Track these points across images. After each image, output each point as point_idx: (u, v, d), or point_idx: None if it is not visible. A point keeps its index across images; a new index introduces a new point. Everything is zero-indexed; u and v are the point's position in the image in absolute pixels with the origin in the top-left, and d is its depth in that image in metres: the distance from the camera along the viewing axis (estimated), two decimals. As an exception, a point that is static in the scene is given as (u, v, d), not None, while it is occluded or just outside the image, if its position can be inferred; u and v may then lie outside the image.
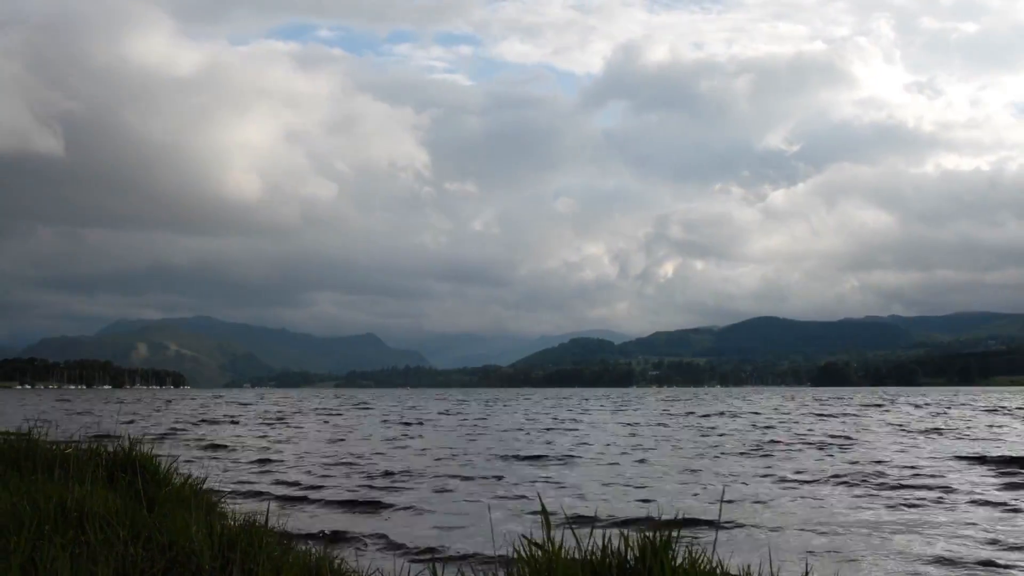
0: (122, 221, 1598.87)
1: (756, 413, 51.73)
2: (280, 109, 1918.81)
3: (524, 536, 5.45)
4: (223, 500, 9.83)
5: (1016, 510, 12.85)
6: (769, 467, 18.79)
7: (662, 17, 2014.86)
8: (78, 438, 13.10)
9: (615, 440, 28.38)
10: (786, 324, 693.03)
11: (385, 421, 44.13)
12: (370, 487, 15.90)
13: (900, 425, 36.38)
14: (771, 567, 5.49)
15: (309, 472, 18.46)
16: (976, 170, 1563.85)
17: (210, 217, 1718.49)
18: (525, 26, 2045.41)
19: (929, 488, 14.98)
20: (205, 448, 24.98)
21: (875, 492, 14.75)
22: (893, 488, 15.11)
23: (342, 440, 29.42)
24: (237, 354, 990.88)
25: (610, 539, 5.27)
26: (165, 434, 30.90)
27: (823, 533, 11.00)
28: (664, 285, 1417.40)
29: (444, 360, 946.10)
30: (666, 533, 5.14)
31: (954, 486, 15.19)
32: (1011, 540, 10.48)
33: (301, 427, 38.27)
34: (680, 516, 6.73)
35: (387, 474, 17.85)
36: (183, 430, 34.35)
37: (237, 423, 41.59)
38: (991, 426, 35.73)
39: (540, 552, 5.27)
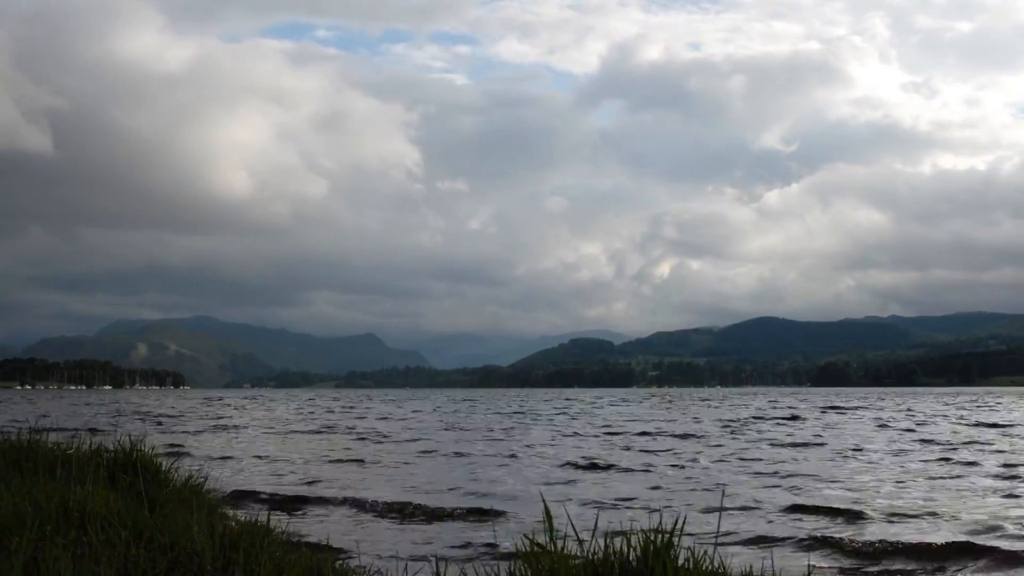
0: (115, 219, 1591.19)
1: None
2: (272, 107, 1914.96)
3: (526, 536, 5.45)
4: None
5: None
6: None
7: (659, 17, 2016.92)
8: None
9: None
10: (786, 324, 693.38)
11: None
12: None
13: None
14: (773, 567, 5.49)
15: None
16: (971, 169, 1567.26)
17: (203, 216, 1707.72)
18: (522, 26, 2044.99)
19: None
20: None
21: None
22: None
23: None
24: (237, 354, 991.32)
25: (612, 539, 5.27)
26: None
27: None
28: (662, 285, 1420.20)
29: (444, 360, 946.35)
30: (667, 533, 5.15)
31: None
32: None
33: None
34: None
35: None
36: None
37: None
38: None
39: (542, 552, 5.27)
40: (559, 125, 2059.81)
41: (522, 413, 55.09)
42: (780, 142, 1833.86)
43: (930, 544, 9.93)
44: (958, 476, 17.05)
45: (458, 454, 23.18)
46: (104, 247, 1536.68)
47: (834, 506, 12.85)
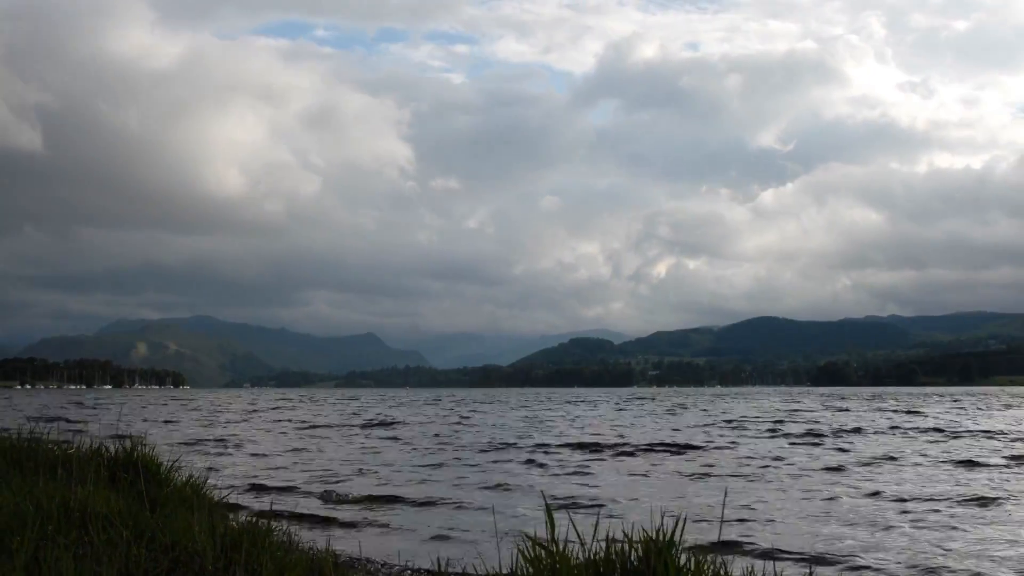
0: (110, 218, 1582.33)
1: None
2: (265, 104, 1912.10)
3: (528, 536, 5.45)
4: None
5: None
6: None
7: (656, 17, 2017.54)
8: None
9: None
10: (785, 324, 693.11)
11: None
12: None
13: None
14: (775, 568, 5.48)
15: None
16: (967, 168, 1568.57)
17: (199, 214, 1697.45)
18: (520, 25, 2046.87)
19: None
20: None
21: None
22: None
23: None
24: (237, 354, 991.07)
25: (614, 539, 5.27)
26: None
27: None
28: (660, 284, 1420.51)
29: (443, 360, 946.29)
30: (669, 533, 5.15)
31: None
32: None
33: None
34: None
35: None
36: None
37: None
38: None
39: (544, 552, 5.27)
40: (556, 124, 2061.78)
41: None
42: (777, 141, 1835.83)
43: None
44: None
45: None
46: (100, 246, 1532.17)
47: None
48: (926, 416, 44.66)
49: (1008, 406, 64.74)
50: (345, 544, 9.38)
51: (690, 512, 8.47)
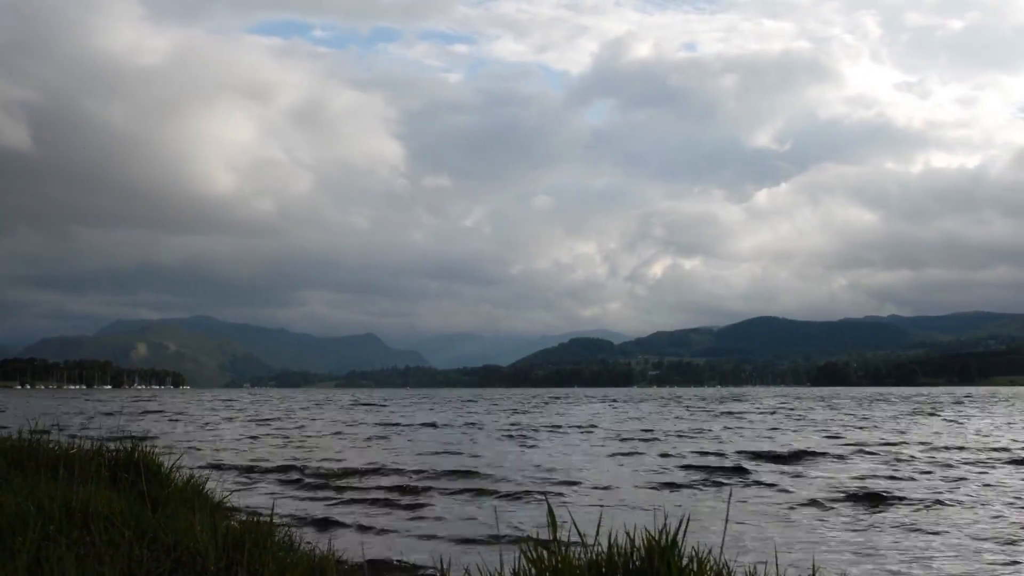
0: (103, 217, 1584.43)
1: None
2: (259, 103, 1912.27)
3: (531, 536, 5.44)
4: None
5: None
6: None
7: (654, 17, 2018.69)
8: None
9: None
10: (785, 324, 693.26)
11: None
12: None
13: None
14: (777, 568, 5.48)
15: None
16: (961, 167, 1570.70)
17: (193, 214, 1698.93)
18: (518, 24, 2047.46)
19: None
20: None
21: None
22: None
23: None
24: (237, 354, 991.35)
25: (616, 539, 5.27)
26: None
27: None
28: (657, 284, 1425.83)
29: (443, 360, 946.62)
30: (672, 533, 5.14)
31: None
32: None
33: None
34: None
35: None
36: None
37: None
38: None
39: (546, 552, 5.27)
40: (552, 124, 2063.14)
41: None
42: (774, 141, 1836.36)
43: None
44: None
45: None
46: (94, 246, 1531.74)
47: None
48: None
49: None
50: (347, 544, 9.37)
51: None
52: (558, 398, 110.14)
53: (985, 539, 10.66)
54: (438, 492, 14.90)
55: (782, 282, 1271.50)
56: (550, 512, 5.45)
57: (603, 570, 5.18)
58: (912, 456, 21.32)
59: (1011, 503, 13.51)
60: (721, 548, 5.31)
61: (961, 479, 16.62)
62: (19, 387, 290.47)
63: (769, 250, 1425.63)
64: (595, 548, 5.27)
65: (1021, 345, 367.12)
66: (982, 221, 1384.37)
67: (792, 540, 10.50)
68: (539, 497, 13.59)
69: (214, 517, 6.96)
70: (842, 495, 14.26)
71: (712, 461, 20.19)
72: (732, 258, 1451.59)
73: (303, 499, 13.97)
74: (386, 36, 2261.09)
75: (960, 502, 13.58)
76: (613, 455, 22.29)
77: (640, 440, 27.77)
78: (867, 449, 23.27)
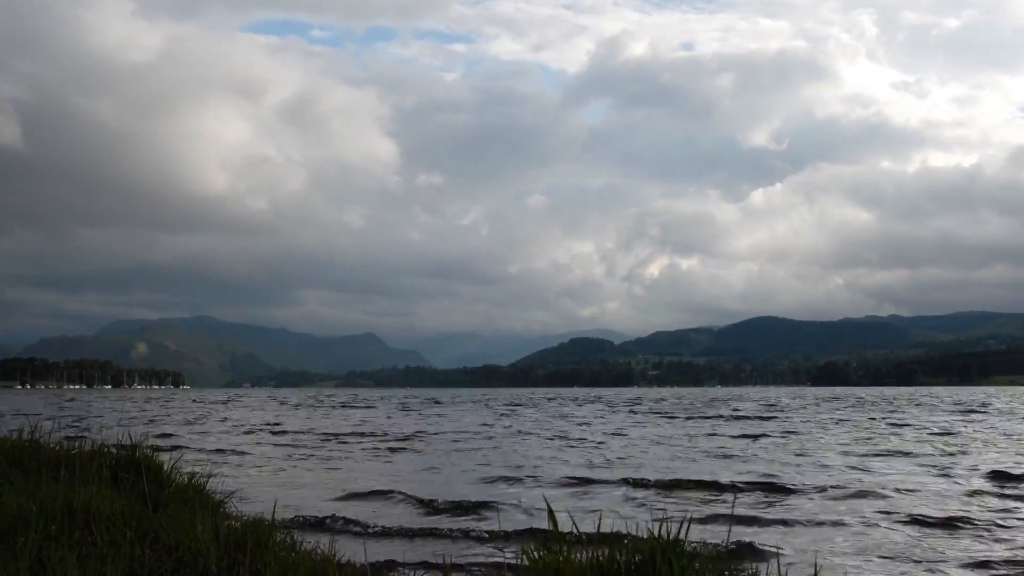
0: (97, 216, 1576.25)
1: None
2: (251, 102, 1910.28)
3: (532, 536, 5.44)
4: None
5: None
6: None
7: (652, 17, 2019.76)
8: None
9: None
10: (785, 324, 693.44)
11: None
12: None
13: None
14: (779, 569, 5.48)
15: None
16: (956, 166, 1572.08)
17: (188, 213, 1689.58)
18: (517, 24, 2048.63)
19: None
20: None
21: None
22: None
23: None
24: (237, 354, 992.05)
25: (617, 540, 5.27)
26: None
27: None
28: (656, 283, 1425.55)
29: (442, 359, 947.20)
30: (674, 533, 5.14)
31: None
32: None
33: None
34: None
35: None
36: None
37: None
38: None
39: (548, 553, 5.27)
40: (549, 123, 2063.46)
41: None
42: (771, 140, 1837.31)
43: None
44: None
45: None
46: (90, 245, 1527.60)
47: None
48: None
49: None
50: (348, 543, 9.37)
51: None
52: (552, 399, 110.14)
53: None
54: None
55: (779, 281, 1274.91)
56: (551, 512, 5.45)
57: (605, 569, 5.18)
58: None
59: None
60: (725, 549, 5.31)
61: None
62: (19, 387, 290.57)
63: (766, 249, 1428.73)
64: (597, 548, 5.27)
65: (1021, 345, 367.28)
66: (978, 220, 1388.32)
67: None
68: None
69: (215, 517, 6.96)
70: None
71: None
72: (729, 257, 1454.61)
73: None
74: (383, 35, 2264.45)
75: None
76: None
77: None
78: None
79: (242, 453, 22.70)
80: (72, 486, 7.24)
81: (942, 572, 8.93)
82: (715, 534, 9.77)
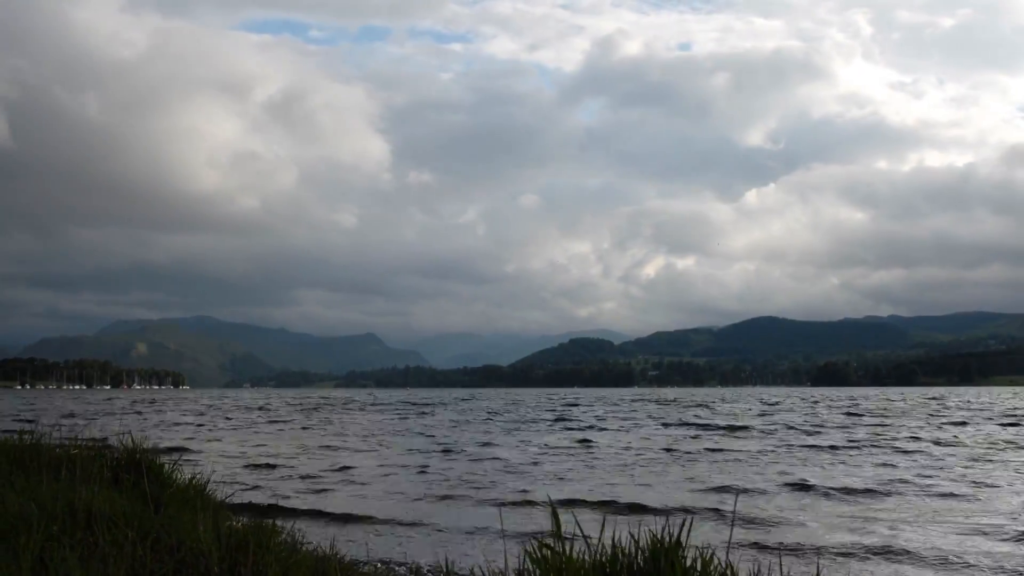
0: (90, 215, 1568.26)
1: None
2: (241, 99, 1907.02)
3: (535, 537, 5.43)
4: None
5: None
6: None
7: (650, 17, 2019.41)
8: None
9: None
10: (785, 324, 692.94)
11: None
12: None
13: None
14: (780, 569, 5.47)
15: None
16: (950, 166, 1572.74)
17: (180, 211, 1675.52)
18: (515, 24, 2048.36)
19: None
20: None
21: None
22: None
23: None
24: (237, 354, 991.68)
25: (620, 538, 5.26)
26: None
27: None
28: (653, 283, 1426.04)
29: (441, 359, 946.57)
30: (676, 533, 5.13)
31: None
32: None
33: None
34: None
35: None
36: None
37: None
38: None
39: (550, 553, 5.26)
40: (545, 122, 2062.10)
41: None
42: (767, 140, 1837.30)
43: None
44: None
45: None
46: (84, 244, 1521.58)
47: None
48: None
49: None
50: (349, 543, 9.36)
51: None
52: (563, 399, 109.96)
53: None
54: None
55: (775, 282, 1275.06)
56: (553, 513, 5.45)
57: (607, 570, 5.17)
58: None
59: None
60: (728, 548, 5.30)
61: None
62: (19, 387, 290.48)
63: (763, 249, 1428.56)
64: (599, 548, 5.25)
65: (1021, 345, 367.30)
66: (973, 220, 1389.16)
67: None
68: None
69: (217, 518, 6.95)
70: None
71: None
72: (726, 257, 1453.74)
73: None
74: (377, 34, 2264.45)
75: None
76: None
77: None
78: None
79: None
80: (73, 486, 7.23)
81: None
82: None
